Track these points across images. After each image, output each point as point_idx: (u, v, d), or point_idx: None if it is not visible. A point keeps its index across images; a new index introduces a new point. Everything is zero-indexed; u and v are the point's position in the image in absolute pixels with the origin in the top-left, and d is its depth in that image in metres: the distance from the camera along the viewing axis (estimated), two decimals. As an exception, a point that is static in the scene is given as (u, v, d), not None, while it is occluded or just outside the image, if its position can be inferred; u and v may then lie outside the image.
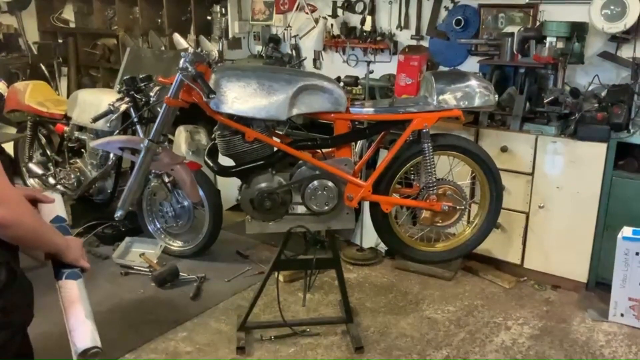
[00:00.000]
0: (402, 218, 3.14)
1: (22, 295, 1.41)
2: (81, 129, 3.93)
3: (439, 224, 2.76)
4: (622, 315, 3.01)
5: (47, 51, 5.61)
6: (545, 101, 3.25)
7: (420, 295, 3.32)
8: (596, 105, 3.19)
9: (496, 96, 2.64)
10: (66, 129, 3.96)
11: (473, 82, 2.58)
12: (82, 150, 4.01)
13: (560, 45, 3.22)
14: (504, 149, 3.33)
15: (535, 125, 3.29)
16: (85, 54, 5.73)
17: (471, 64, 3.83)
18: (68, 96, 4.92)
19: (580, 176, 3.16)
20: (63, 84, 5.80)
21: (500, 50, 3.53)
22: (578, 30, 3.23)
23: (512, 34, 3.44)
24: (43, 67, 5.53)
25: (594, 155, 3.10)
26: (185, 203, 3.68)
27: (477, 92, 2.56)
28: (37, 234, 1.37)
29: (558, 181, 3.23)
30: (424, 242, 2.87)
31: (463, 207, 2.74)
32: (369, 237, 3.74)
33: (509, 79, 3.55)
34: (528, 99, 3.35)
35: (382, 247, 3.72)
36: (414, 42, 4.09)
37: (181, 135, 3.94)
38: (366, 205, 3.11)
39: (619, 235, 2.95)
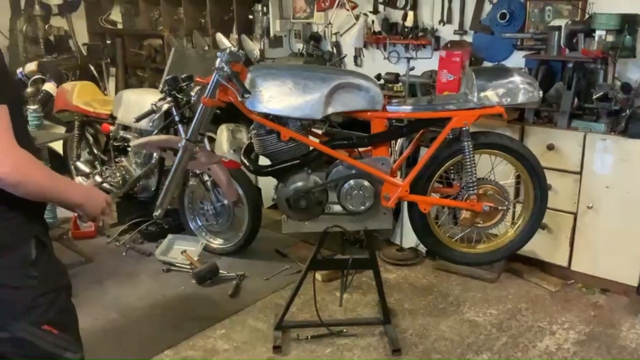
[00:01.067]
0: (441, 218, 3.07)
1: (54, 264, 1.52)
2: (126, 128, 4.01)
3: (479, 225, 2.68)
4: (676, 322, 2.86)
5: (95, 52, 5.76)
6: (594, 97, 3.11)
7: (461, 298, 3.24)
8: (649, 101, 3.03)
9: (540, 92, 2.54)
10: (112, 128, 4.05)
11: (516, 78, 2.49)
12: (127, 148, 4.10)
13: (610, 38, 3.07)
14: (550, 147, 3.20)
15: (584, 122, 3.16)
16: (132, 55, 5.86)
17: (517, 59, 3.70)
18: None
19: (631, 175, 3.01)
20: (111, 84, 5.95)
21: (547, 45, 3.39)
22: (629, 23, 3.07)
23: (559, 28, 3.31)
24: (92, 68, 5.69)
25: (646, 153, 2.95)
26: (225, 201, 3.71)
27: (520, 88, 2.47)
28: (48, 190, 1.41)
29: (608, 180, 3.09)
30: (464, 243, 2.80)
31: (505, 208, 2.65)
32: (409, 236, 3.67)
33: (556, 74, 3.41)
34: (576, 94, 3.21)
35: (423, 248, 3.66)
36: (456, 37, 3.99)
37: (223, 133, 3.97)
38: (405, 204, 3.05)
39: (674, 238, 2.80)
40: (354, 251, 3.16)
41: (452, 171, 2.74)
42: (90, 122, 4.32)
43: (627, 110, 3.02)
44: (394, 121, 2.65)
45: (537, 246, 3.31)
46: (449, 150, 2.56)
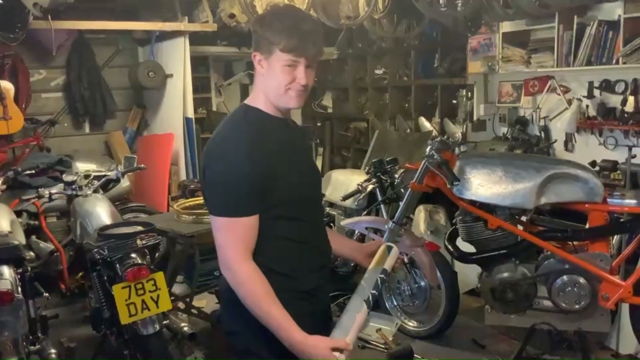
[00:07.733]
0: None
1: None
2: (332, 205, 4.28)
3: None
4: None
5: (308, 133, 6.33)
6: None
7: None
8: None
9: None
10: (319, 204, 4.35)
11: None
12: (331, 224, 4.35)
13: None
14: None
15: None
16: (339, 136, 6.32)
17: None
18: (321, 174, 5.41)
19: None
20: (317, 162, 6.45)
21: None
22: None
23: None
24: (303, 148, 6.23)
25: None
26: (422, 283, 3.69)
27: None
28: (258, 314, 1.51)
29: None
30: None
31: None
32: (627, 341, 3.25)
33: None
34: None
35: (645, 357, 3.21)
36: (688, 123, 3.61)
37: (420, 214, 4.02)
38: (625, 305, 2.75)
39: None
40: (563, 352, 2.90)
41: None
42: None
43: None
44: (615, 214, 2.46)
45: None
46: (683, 250, 2.29)
